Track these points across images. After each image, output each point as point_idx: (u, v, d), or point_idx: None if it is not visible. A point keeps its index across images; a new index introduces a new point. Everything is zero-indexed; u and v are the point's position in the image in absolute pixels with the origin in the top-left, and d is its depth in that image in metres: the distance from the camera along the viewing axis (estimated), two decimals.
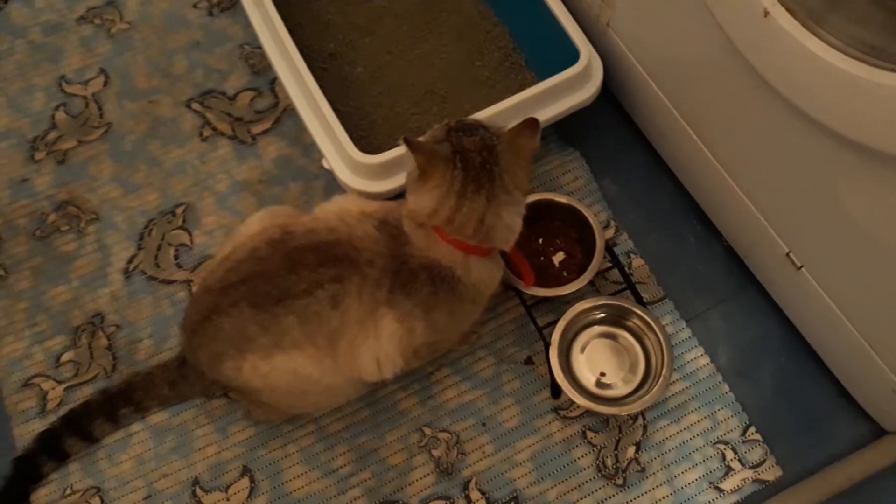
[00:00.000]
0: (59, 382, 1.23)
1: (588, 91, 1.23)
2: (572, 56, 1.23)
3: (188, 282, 1.29)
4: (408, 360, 1.04)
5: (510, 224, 0.99)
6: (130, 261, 1.31)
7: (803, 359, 1.22)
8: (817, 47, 0.84)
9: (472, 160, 0.95)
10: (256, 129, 1.41)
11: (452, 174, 0.95)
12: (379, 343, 0.99)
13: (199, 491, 1.16)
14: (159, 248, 1.32)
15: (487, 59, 1.40)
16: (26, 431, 1.19)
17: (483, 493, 1.15)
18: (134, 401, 1.17)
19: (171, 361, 1.17)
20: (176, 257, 1.31)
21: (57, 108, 1.43)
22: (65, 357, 1.24)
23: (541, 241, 1.26)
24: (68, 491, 1.16)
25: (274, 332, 0.98)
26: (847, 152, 0.90)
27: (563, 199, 1.23)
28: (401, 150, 1.14)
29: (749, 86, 0.98)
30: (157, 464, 1.18)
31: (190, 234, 1.33)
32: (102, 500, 1.15)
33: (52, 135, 1.41)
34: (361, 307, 0.97)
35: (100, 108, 1.43)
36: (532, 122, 0.99)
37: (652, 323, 1.15)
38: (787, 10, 0.86)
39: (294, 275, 0.97)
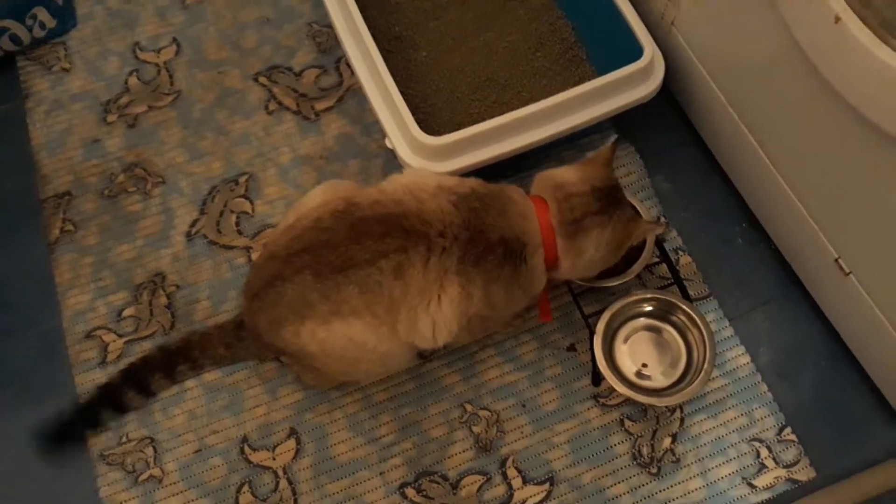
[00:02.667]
0: (120, 336, 1.28)
1: (648, 88, 1.26)
2: (634, 52, 1.25)
3: (248, 248, 1.34)
4: (461, 328, 1.07)
5: (595, 247, 1.07)
6: (193, 224, 1.36)
7: (844, 364, 1.23)
8: (888, 56, 0.85)
9: (621, 198, 1.10)
10: (320, 105, 1.45)
11: (609, 177, 1.09)
12: (439, 307, 1.03)
13: (247, 448, 1.21)
14: (221, 215, 1.37)
15: (548, 50, 1.42)
16: (87, 380, 1.25)
17: (519, 472, 1.19)
18: (190, 358, 1.22)
19: (229, 323, 1.22)
20: (237, 224, 1.36)
21: (130, 73, 1.49)
22: (126, 312, 1.30)
23: None
24: (124, 439, 1.22)
25: (334, 299, 1.02)
26: None
27: None
28: (463, 133, 1.18)
29: (813, 91, 1.00)
30: (208, 420, 1.23)
31: (251, 202, 1.38)
32: (155, 451, 1.21)
33: (125, 99, 1.46)
34: (427, 276, 1.01)
35: (171, 76, 1.48)
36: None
37: (697, 319, 1.18)
38: (860, 17, 0.88)
39: (358, 245, 1.01)
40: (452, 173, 1.19)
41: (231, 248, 1.34)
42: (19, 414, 1.23)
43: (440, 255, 1.01)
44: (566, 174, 1.10)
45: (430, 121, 1.36)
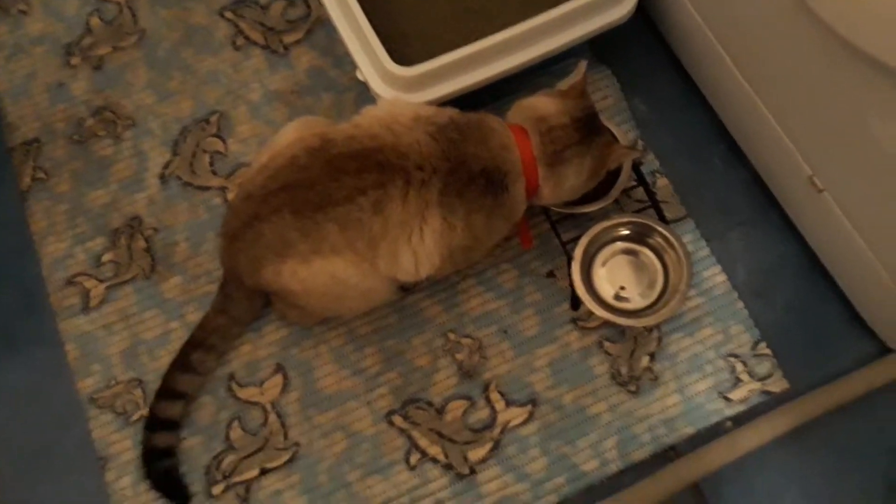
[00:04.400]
0: (101, 281, 1.28)
1: (623, 9, 1.23)
2: None
3: (223, 188, 1.33)
4: (443, 261, 1.08)
5: (576, 175, 1.09)
6: (166, 166, 1.35)
7: (818, 281, 1.26)
8: None
9: (599, 127, 1.11)
10: (289, 38, 1.42)
11: (586, 106, 1.10)
12: (422, 240, 1.03)
13: (234, 385, 1.23)
14: (194, 155, 1.35)
15: None
16: (71, 326, 1.26)
17: (502, 395, 1.22)
18: (206, 346, 1.19)
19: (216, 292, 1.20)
20: (211, 164, 1.35)
21: (91, 13, 1.44)
22: (105, 258, 1.30)
23: None
24: (112, 382, 1.23)
25: (314, 238, 1.02)
26: (882, 80, 0.91)
27: None
28: (435, 62, 1.16)
29: (788, 9, 0.99)
30: None
31: (224, 141, 1.36)
32: (144, 392, 1.22)
33: (87, 40, 1.42)
34: (407, 209, 1.01)
35: (133, 15, 1.44)
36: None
37: (673, 240, 1.19)
38: None
39: (335, 182, 1.01)
40: (428, 104, 1.17)
41: (206, 188, 1.33)
42: (5, 365, 1.24)
43: (419, 188, 1.01)
44: (547, 106, 1.10)
45: (403, 51, 1.33)
